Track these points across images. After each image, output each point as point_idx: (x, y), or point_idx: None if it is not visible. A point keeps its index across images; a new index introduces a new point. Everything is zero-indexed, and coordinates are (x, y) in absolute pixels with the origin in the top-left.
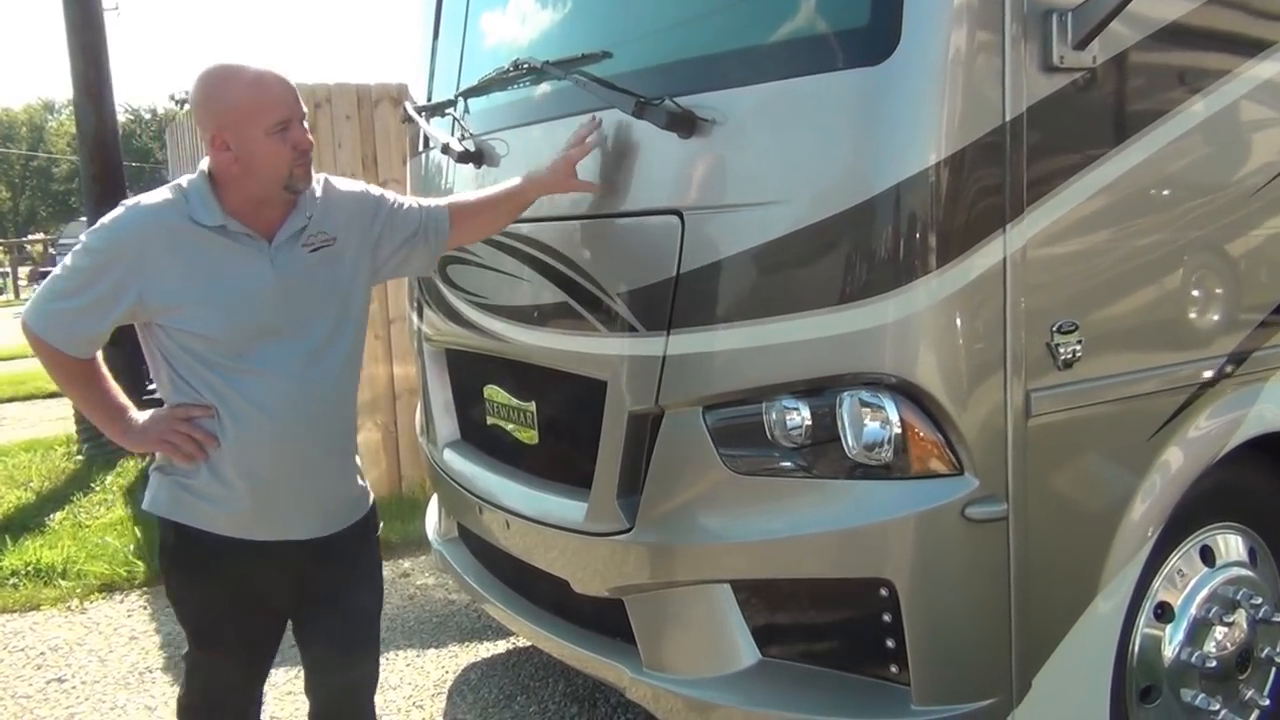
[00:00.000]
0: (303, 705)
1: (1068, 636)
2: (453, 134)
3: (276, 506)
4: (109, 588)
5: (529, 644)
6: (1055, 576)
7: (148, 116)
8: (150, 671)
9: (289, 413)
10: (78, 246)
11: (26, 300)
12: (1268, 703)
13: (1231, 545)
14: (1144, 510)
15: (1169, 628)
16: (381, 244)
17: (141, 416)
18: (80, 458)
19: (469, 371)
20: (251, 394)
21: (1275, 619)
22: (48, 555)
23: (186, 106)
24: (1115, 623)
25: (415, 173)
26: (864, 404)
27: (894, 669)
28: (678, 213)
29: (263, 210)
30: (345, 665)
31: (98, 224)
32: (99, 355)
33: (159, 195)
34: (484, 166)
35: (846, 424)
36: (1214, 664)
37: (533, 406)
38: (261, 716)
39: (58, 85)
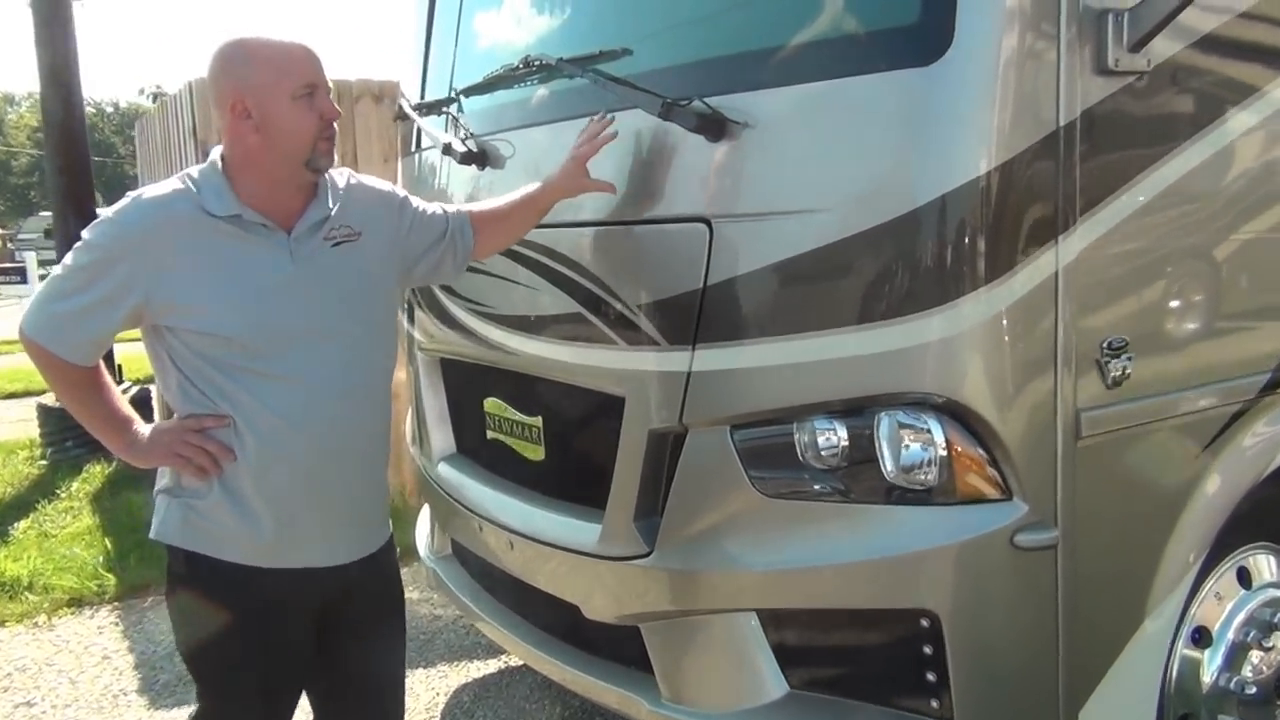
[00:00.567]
0: None
1: (1114, 667)
2: (452, 133)
3: (301, 529)
4: (78, 602)
5: (521, 663)
6: (1102, 605)
7: (110, 110)
8: (125, 694)
9: (317, 424)
10: (79, 243)
11: None
12: None
13: (1266, 566)
14: (1190, 533)
15: (1207, 653)
16: (410, 247)
17: (148, 429)
18: (44, 463)
19: (467, 382)
20: (274, 403)
21: None
22: (12, 568)
23: (157, 100)
24: (1161, 651)
25: (407, 173)
26: (906, 425)
27: (934, 703)
28: (705, 220)
29: (281, 196)
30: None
31: (100, 217)
32: (101, 363)
33: (166, 186)
34: (487, 169)
35: (887, 446)
36: (1254, 690)
37: (539, 421)
38: None
39: (18, 78)
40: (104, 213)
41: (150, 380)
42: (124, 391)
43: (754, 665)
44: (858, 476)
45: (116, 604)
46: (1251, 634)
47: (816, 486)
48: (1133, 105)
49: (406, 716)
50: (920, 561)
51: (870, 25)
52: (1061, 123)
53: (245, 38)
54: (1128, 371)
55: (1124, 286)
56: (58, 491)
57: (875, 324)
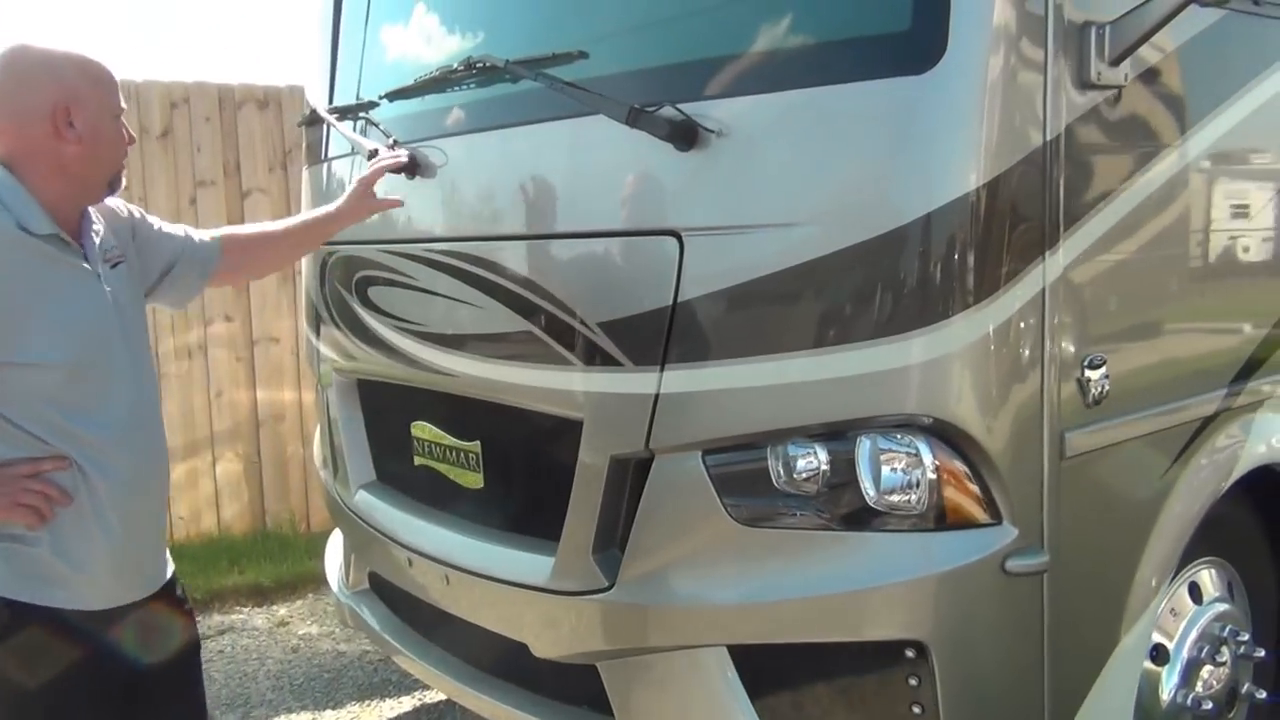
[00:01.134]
0: None
1: (1094, 689)
2: (376, 139)
3: (129, 563)
4: None
5: (439, 700)
6: (1083, 626)
7: None
8: None
9: (140, 452)
10: None
11: None
12: None
13: (1213, 580)
14: (1160, 550)
15: (1164, 670)
16: (147, 267)
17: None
18: None
19: (390, 405)
20: (108, 433)
21: (1256, 654)
22: None
23: None
24: (1136, 670)
25: (314, 184)
26: (892, 448)
27: None
28: (674, 234)
29: (74, 214)
30: None
31: None
32: None
33: None
34: (417, 178)
35: (871, 470)
36: (1209, 705)
37: (477, 446)
38: None
39: None
40: None
41: None
42: None
43: (725, 704)
44: (840, 502)
45: None
46: (1205, 650)
47: (797, 514)
48: (1111, 119)
49: None
50: (908, 591)
51: (858, 31)
52: (1048, 136)
53: (50, 46)
54: (1106, 389)
55: (1102, 302)
56: None
57: (860, 343)
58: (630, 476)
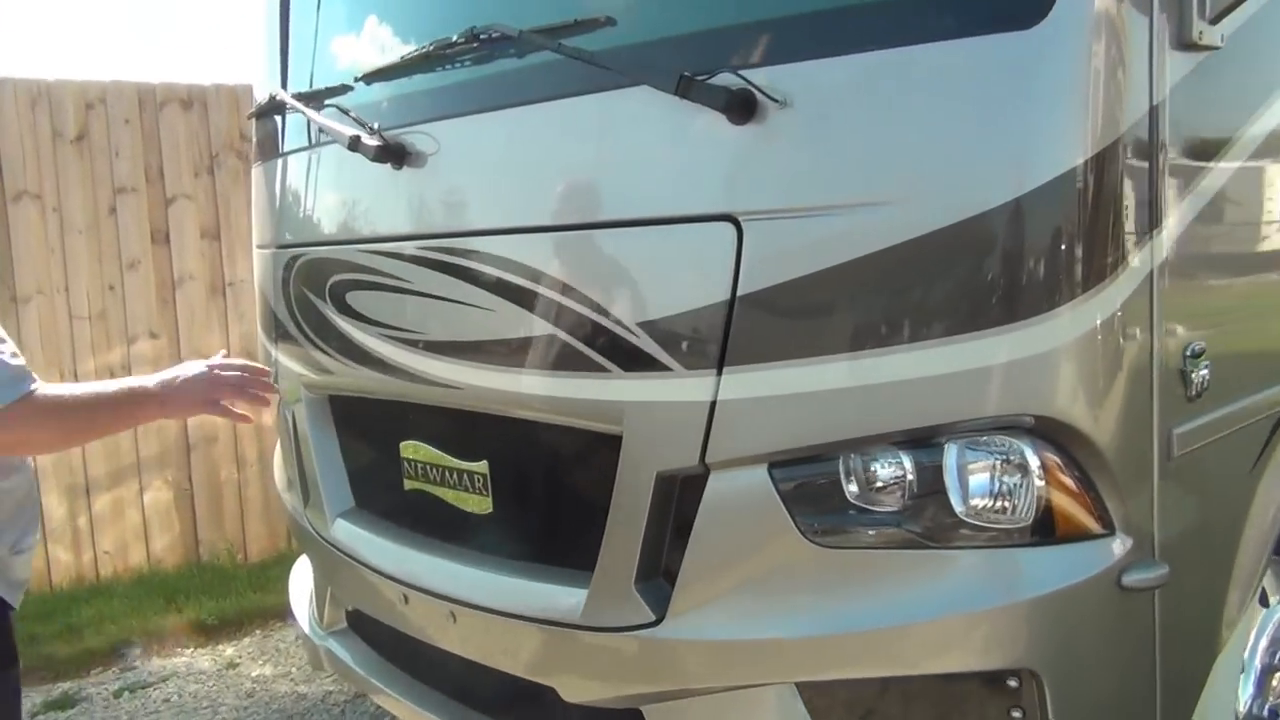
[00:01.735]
0: None
1: (1199, 707)
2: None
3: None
4: None
5: None
6: (1188, 643)
7: None
8: None
9: None
10: None
11: None
12: None
13: (1276, 580)
14: (1251, 551)
15: (1240, 678)
16: None
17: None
18: None
19: (373, 424)
20: None
21: None
22: None
23: None
24: (1234, 682)
25: (266, 183)
26: (994, 453)
27: None
28: (731, 219)
29: None
30: None
31: None
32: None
33: None
34: (407, 169)
35: (970, 480)
36: None
37: (484, 467)
38: None
39: None
40: None
41: None
42: None
43: None
44: (933, 517)
45: None
46: (1277, 656)
47: (883, 531)
48: (1211, 84)
49: None
50: (1015, 614)
51: None
52: (1155, 101)
53: None
54: (1206, 380)
55: (1203, 286)
56: None
57: (952, 338)
58: (680, 496)
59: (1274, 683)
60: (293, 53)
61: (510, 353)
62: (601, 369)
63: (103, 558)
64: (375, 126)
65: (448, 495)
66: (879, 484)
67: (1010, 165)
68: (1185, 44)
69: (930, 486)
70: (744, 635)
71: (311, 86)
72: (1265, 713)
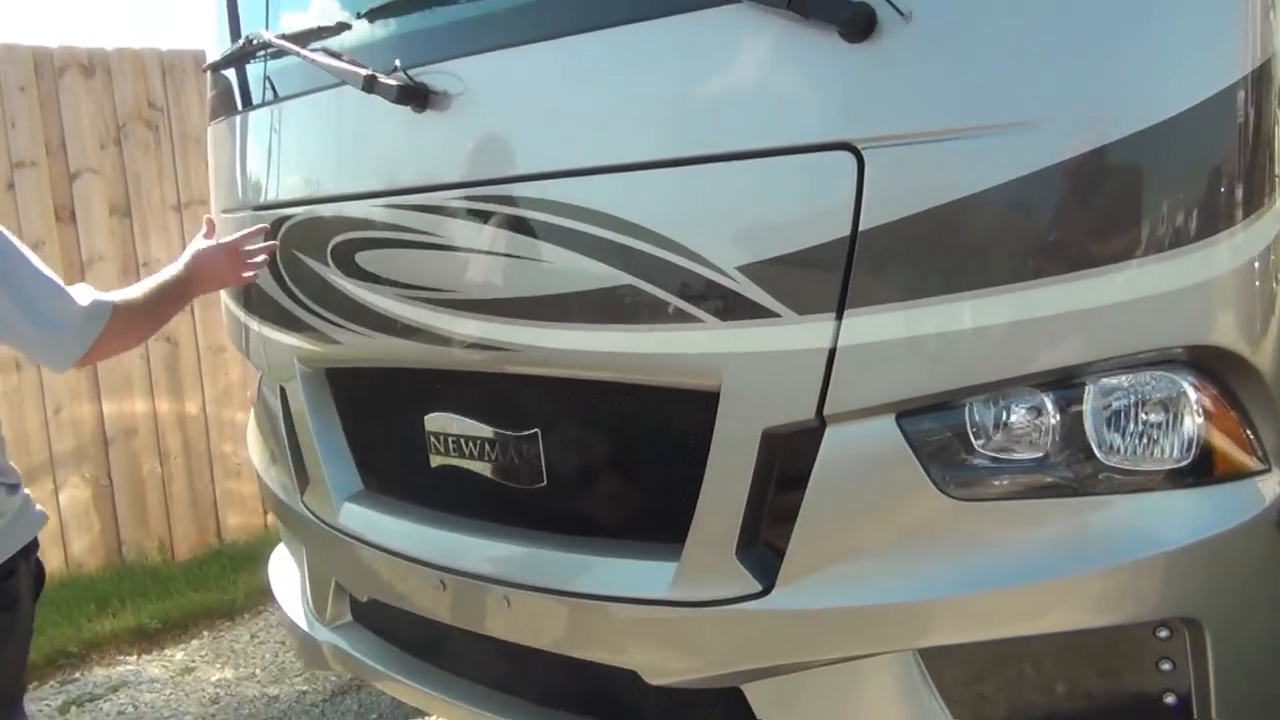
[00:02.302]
0: None
1: None
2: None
3: None
4: None
5: None
6: None
7: None
8: None
9: None
10: None
11: None
12: None
13: None
14: None
15: None
16: None
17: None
18: None
19: (386, 397)
20: None
21: None
22: None
23: None
24: None
25: (230, 143)
26: (1148, 390)
27: None
28: (850, 148)
29: None
30: None
31: None
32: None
33: None
34: (430, 112)
35: (1123, 420)
36: None
37: (536, 437)
38: None
39: None
40: None
41: None
42: None
43: (917, 714)
44: (1081, 463)
45: None
46: None
47: (1026, 480)
48: None
49: None
50: (1174, 561)
51: None
52: None
53: None
54: None
55: None
56: None
57: (1103, 269)
58: (788, 454)
59: None
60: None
61: (577, 309)
62: (694, 320)
63: None
64: (396, 65)
65: (489, 470)
66: (1019, 430)
67: (1168, 80)
68: None
69: (1074, 430)
70: (865, 601)
71: (278, 29)
72: None
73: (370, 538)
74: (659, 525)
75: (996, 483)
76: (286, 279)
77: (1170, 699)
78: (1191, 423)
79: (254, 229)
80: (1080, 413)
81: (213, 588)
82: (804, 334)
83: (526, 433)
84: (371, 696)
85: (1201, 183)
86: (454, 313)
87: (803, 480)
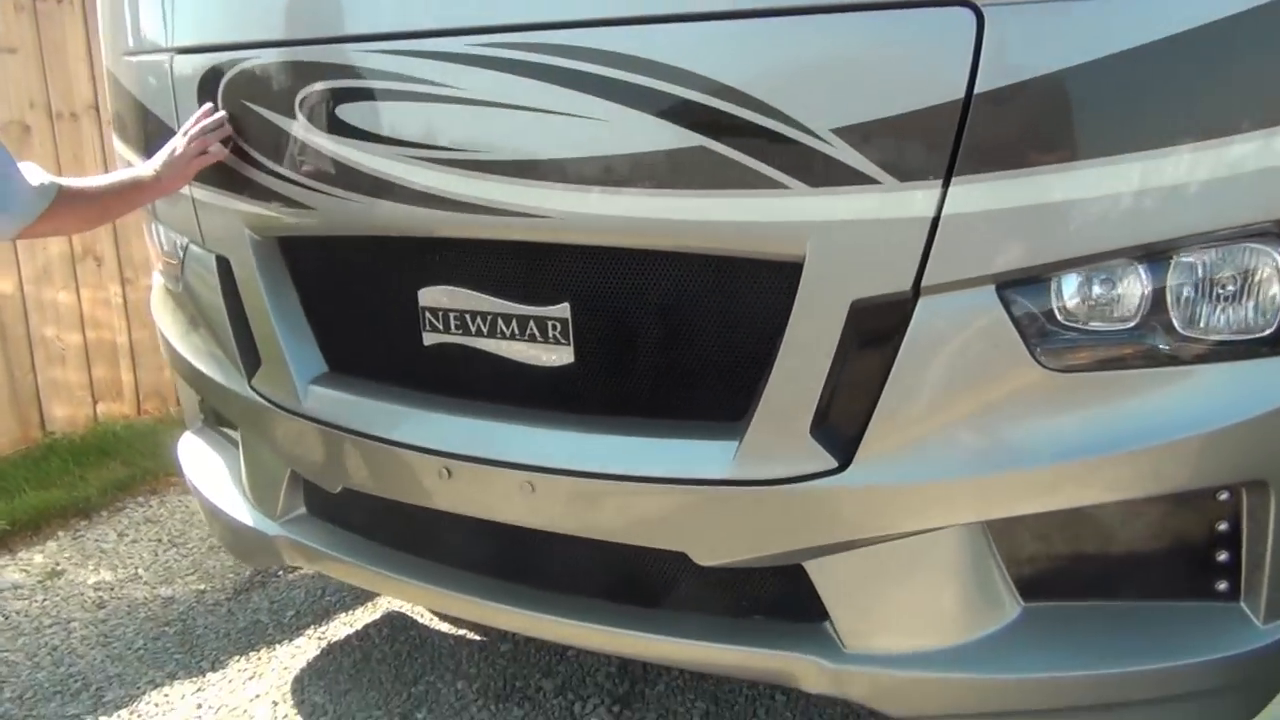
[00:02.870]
0: None
1: None
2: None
3: None
4: None
5: (351, 630)
6: None
7: None
8: None
9: None
10: None
11: None
12: None
13: None
14: None
15: None
16: None
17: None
18: None
19: (360, 269)
20: None
21: None
22: None
23: None
24: None
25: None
26: (1242, 263)
27: (1223, 586)
28: (968, 4)
29: None
30: None
31: None
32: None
33: None
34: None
35: (1218, 290)
36: None
37: (563, 311)
38: None
39: None
40: None
41: None
42: None
43: (982, 585)
44: (1172, 333)
45: None
46: None
47: (1122, 351)
48: None
49: None
50: (1252, 427)
51: None
52: None
53: None
54: None
55: None
56: None
57: (1219, 139)
58: (877, 327)
59: None
60: None
61: (634, 172)
62: (777, 186)
63: None
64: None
65: (503, 349)
66: (1112, 302)
67: None
68: None
69: (1165, 302)
70: (945, 475)
71: None
72: None
73: (346, 423)
74: (711, 403)
75: (1088, 354)
76: (235, 134)
77: (1223, 557)
78: (1278, 294)
79: (203, 112)
80: (1172, 285)
81: (57, 485)
82: (905, 202)
83: (553, 307)
84: (281, 592)
85: None
86: (472, 175)
87: (889, 354)
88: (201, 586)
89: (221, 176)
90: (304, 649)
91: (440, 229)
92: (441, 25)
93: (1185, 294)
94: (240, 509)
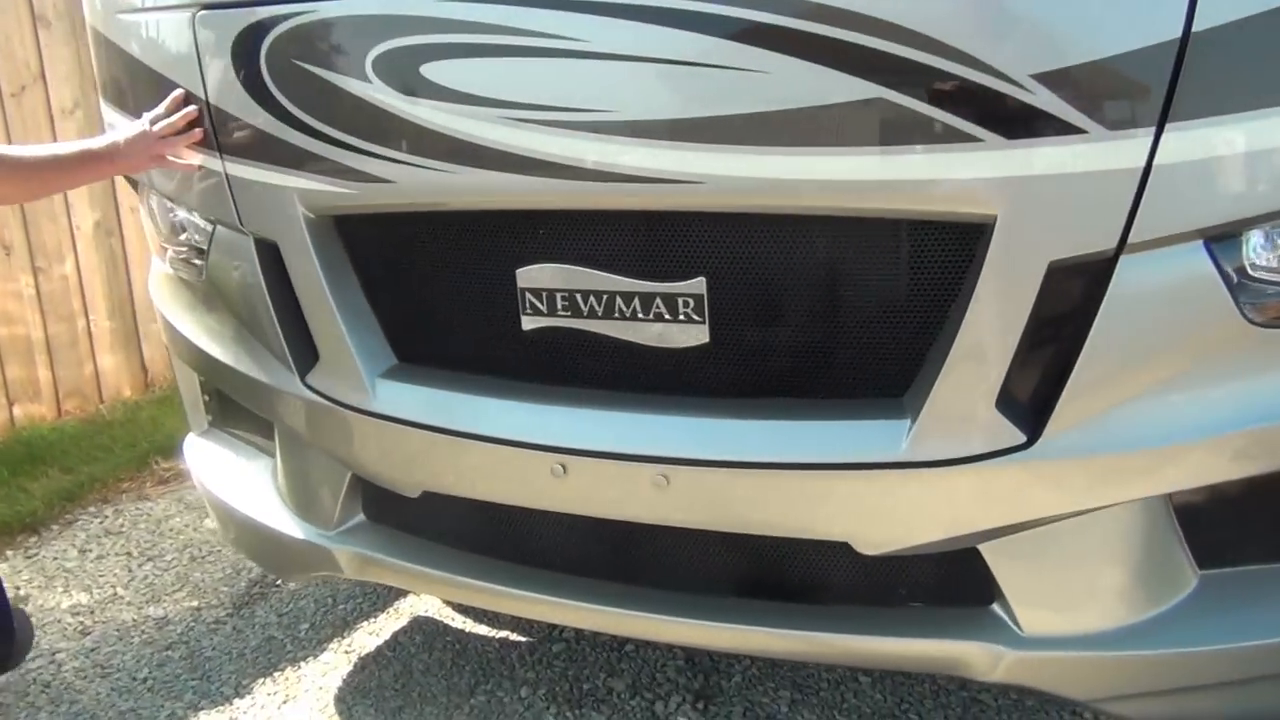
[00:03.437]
0: None
1: None
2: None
3: None
4: None
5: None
6: None
7: None
8: None
9: None
10: None
11: None
12: None
13: None
14: None
15: None
16: None
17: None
18: None
19: (438, 248)
20: None
21: None
22: None
23: None
24: None
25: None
26: None
27: None
28: None
29: None
30: None
31: None
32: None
33: None
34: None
35: None
36: None
37: (698, 287)
38: None
39: None
40: None
41: None
42: None
43: (1164, 556)
44: None
45: None
46: None
47: None
48: None
49: None
50: None
51: None
52: None
53: None
54: None
55: None
56: None
57: None
58: (1073, 288)
59: None
60: None
61: (798, 129)
62: (969, 139)
63: None
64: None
65: (620, 330)
66: None
67: None
68: None
69: None
70: (1143, 444)
71: None
72: None
73: (429, 420)
74: (870, 380)
75: None
76: (284, 100)
77: None
78: None
79: (175, 104)
80: None
81: None
82: (1114, 152)
83: (687, 282)
84: (287, 604)
85: None
86: (594, 137)
87: (1086, 317)
88: (195, 603)
89: (267, 148)
90: (334, 665)
91: (549, 199)
92: None
93: None
94: (280, 518)
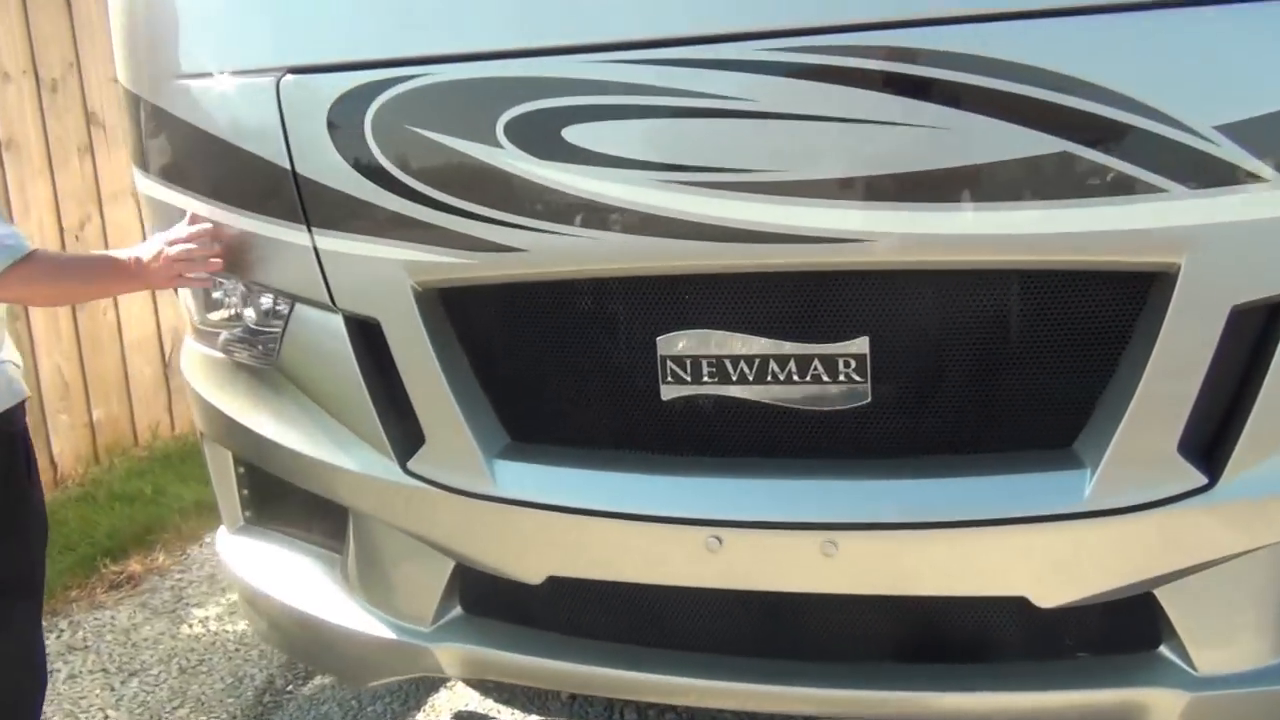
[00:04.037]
0: None
1: None
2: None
3: None
4: None
5: None
6: None
7: None
8: None
9: None
10: None
11: None
12: None
13: None
14: None
15: None
16: None
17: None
18: None
19: (567, 318)
20: None
21: None
22: None
23: None
24: None
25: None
26: None
27: None
28: None
29: None
30: None
31: None
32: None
33: None
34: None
35: None
36: None
37: (861, 347)
38: None
39: None
40: None
41: None
42: None
43: None
44: None
45: None
46: None
47: None
48: None
49: None
50: None
51: None
52: None
53: None
54: None
55: None
56: None
57: None
58: (1253, 330)
59: None
60: None
61: (978, 184)
62: (1154, 190)
63: None
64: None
65: (772, 395)
66: None
67: None
68: None
69: None
70: None
71: None
72: None
73: (557, 501)
74: (1040, 432)
75: None
76: (392, 167)
77: None
78: None
79: (193, 223)
80: None
81: None
82: None
83: (848, 343)
84: (308, 711)
85: None
86: (758, 198)
87: (1265, 358)
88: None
89: (369, 219)
90: None
91: (703, 262)
92: (718, 30)
93: None
94: (358, 618)
